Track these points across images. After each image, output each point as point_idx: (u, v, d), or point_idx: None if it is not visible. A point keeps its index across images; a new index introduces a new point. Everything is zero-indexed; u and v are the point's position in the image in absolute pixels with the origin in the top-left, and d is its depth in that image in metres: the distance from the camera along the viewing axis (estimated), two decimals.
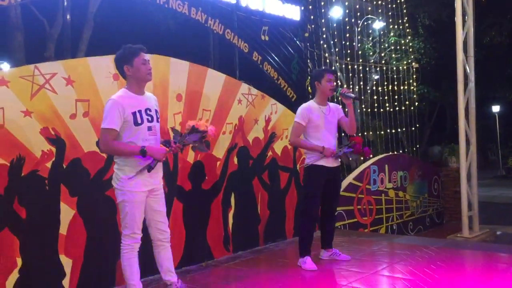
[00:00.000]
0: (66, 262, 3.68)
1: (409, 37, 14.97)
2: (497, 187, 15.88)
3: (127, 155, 3.20)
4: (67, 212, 3.69)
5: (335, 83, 4.38)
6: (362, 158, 4.66)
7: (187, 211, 4.59)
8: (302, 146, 4.47)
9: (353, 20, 10.30)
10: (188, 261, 4.55)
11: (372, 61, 12.75)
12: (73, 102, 3.74)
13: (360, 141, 4.40)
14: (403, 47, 13.89)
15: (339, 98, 4.55)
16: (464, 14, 7.79)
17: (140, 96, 3.29)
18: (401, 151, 9.89)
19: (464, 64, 7.67)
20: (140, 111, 3.21)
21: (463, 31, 7.70)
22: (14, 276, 3.37)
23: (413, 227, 8.37)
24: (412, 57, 14.88)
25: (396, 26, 12.91)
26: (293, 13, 5.99)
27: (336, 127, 4.49)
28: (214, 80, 4.91)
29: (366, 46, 13.48)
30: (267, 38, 5.70)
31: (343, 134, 4.65)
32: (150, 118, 3.27)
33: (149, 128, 3.25)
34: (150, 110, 3.28)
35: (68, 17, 5.91)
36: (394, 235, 7.35)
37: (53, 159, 3.61)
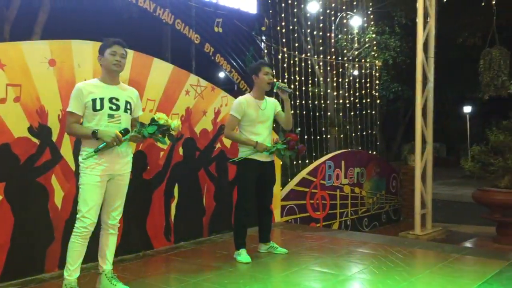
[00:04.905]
0: None
1: (386, 35, 15.08)
2: (462, 186, 16.13)
3: (83, 137, 3.36)
4: None
5: (272, 77, 4.39)
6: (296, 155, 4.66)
7: (125, 200, 4.57)
8: (236, 139, 4.47)
9: (322, 17, 10.32)
10: (124, 250, 4.54)
11: (346, 58, 12.81)
12: (3, 86, 3.69)
13: (295, 139, 4.42)
14: (381, 45, 13.96)
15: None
16: (426, 15, 7.86)
17: (109, 85, 3.41)
18: (360, 148, 9.98)
19: (424, 64, 7.76)
20: (102, 99, 3.33)
21: (424, 31, 7.79)
22: None
23: (368, 223, 8.48)
24: (388, 55, 14.99)
25: (372, 23, 12.97)
26: (250, 6, 5.99)
27: (272, 121, 4.51)
28: (160, 70, 4.89)
29: (342, 42, 13.52)
30: (220, 30, 5.69)
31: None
32: (114, 107, 3.37)
33: (110, 116, 3.34)
34: (117, 100, 3.39)
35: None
36: (340, 230, 7.43)
37: None
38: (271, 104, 4.49)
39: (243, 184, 4.39)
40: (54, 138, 4.00)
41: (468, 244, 7.56)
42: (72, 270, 3.31)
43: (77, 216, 3.31)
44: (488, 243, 7.53)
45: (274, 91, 4.38)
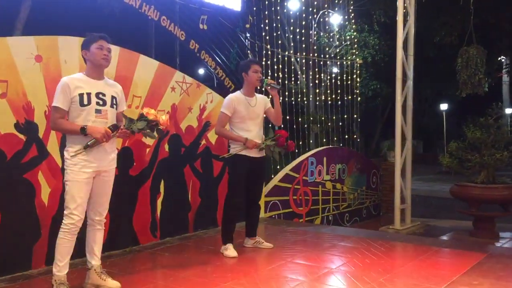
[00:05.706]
0: None
1: (365, 33, 15.28)
2: (439, 182, 16.51)
3: (70, 133, 3.32)
4: None
5: (261, 74, 4.46)
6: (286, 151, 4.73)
7: (111, 196, 4.57)
8: (226, 136, 4.53)
9: (306, 15, 10.40)
10: (111, 246, 4.55)
11: (327, 56, 12.93)
12: None
13: (285, 135, 4.49)
14: (360, 43, 14.15)
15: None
16: (406, 13, 8.01)
17: (95, 81, 3.39)
18: (341, 144, 10.11)
19: (404, 62, 7.91)
20: (89, 94, 3.31)
21: (404, 30, 7.94)
22: None
23: (349, 218, 8.62)
24: (367, 53, 15.17)
25: (353, 21, 13.14)
26: (234, 3, 6.01)
27: (263, 118, 4.58)
28: (146, 67, 4.90)
29: (323, 40, 13.64)
30: (205, 27, 5.70)
31: (270, 125, 4.74)
32: (101, 102, 3.36)
33: (98, 111, 3.34)
34: (103, 95, 3.38)
35: None
36: (323, 225, 7.56)
37: None
38: (261, 101, 4.55)
39: (234, 180, 4.45)
40: (41, 134, 3.98)
41: (446, 238, 7.77)
42: (61, 266, 3.32)
43: (65, 212, 3.31)
44: (465, 236, 7.75)
45: (260, 87, 4.43)
